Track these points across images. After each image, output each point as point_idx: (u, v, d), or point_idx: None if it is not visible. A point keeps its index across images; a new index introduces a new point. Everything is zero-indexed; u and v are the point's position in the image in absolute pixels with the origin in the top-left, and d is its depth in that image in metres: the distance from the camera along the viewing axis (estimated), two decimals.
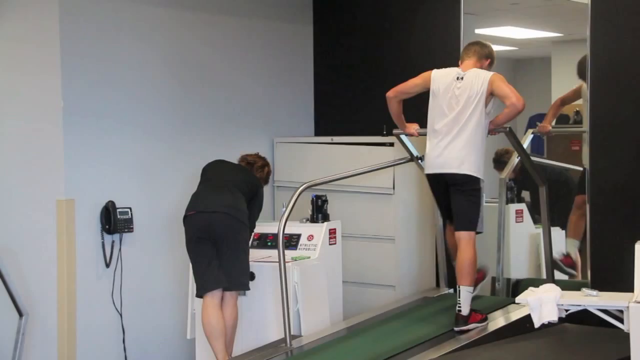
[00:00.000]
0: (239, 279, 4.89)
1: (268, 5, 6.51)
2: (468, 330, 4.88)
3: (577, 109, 5.95)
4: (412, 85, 5.10)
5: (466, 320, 4.88)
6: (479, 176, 4.92)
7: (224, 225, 4.85)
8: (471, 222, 4.97)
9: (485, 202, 5.64)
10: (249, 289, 4.99)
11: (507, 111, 4.86)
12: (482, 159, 4.93)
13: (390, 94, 5.13)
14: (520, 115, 4.98)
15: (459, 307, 4.88)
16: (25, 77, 5.36)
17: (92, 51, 5.36)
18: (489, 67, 5.05)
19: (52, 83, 5.20)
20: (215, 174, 5.18)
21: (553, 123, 6.05)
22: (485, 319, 5.01)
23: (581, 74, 5.67)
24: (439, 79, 4.99)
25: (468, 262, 4.92)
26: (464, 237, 4.97)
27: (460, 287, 4.90)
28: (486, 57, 5.04)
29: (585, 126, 5.57)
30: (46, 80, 5.25)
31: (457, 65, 5.05)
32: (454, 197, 4.99)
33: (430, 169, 5.03)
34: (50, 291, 5.24)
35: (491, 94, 4.87)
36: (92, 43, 5.36)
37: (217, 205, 4.90)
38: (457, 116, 4.89)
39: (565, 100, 5.92)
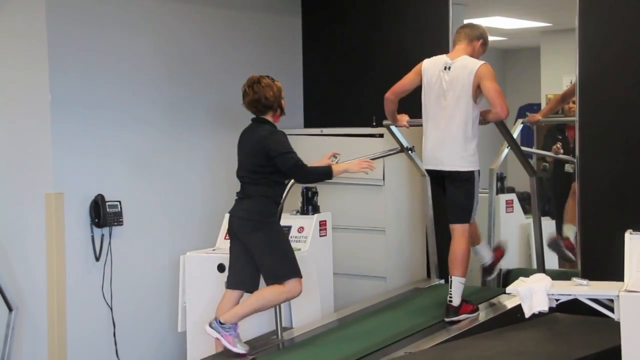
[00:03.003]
0: (270, 274, 4.61)
1: None
2: (459, 321, 4.89)
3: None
4: (408, 82, 5.07)
5: (457, 311, 4.91)
6: (472, 169, 4.91)
7: (241, 231, 4.65)
8: (465, 215, 4.98)
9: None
10: (281, 282, 4.59)
11: (491, 117, 4.87)
12: (475, 149, 4.92)
13: (389, 95, 5.09)
14: (510, 106, 4.97)
15: (450, 297, 4.90)
16: (12, 70, 5.32)
17: (80, 43, 5.32)
18: (482, 48, 5.01)
19: (39, 76, 5.16)
20: (239, 163, 4.78)
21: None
22: (476, 310, 5.03)
23: None
24: (428, 70, 4.98)
25: (461, 253, 4.95)
26: (457, 229, 4.99)
27: (452, 277, 4.92)
28: (477, 38, 4.99)
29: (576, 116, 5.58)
30: (33, 73, 5.21)
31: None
32: (449, 189, 5.01)
33: (427, 165, 5.09)
34: (40, 285, 5.22)
35: (479, 87, 4.83)
36: (80, 35, 5.33)
37: (235, 209, 4.71)
38: (446, 108, 4.88)
39: (566, 97, 5.85)
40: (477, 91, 4.84)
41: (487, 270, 5.46)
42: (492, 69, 4.86)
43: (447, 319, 4.91)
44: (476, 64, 4.85)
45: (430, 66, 4.98)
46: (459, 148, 4.86)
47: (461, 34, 5.03)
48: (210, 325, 4.52)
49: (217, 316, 4.58)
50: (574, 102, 5.60)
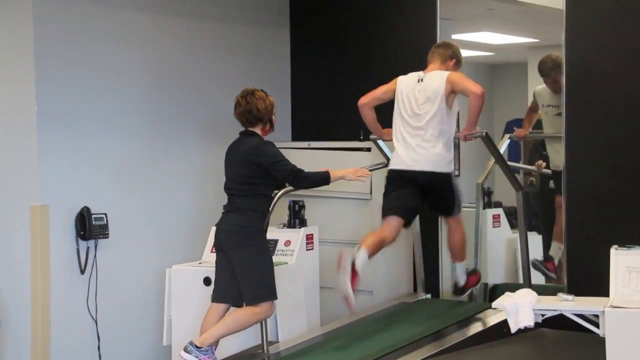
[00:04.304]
0: (247, 293, 4.58)
1: (244, 10, 6.49)
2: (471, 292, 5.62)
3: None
4: (382, 91, 5.18)
5: (464, 288, 5.48)
6: (449, 171, 5.05)
7: (227, 244, 4.62)
8: (456, 209, 5.20)
9: (463, 207, 5.67)
10: (257, 302, 4.56)
11: (470, 104, 4.95)
12: (451, 157, 5.05)
13: (361, 101, 5.19)
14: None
15: (457, 280, 5.44)
16: None
17: (67, 56, 5.31)
18: (455, 67, 5.13)
19: (25, 88, 5.15)
20: (226, 176, 4.76)
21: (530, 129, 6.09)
22: (479, 277, 5.59)
23: (542, 73, 5.88)
24: (402, 82, 5.11)
25: (461, 241, 5.32)
26: (452, 220, 5.27)
27: (456, 263, 5.38)
28: (450, 58, 5.13)
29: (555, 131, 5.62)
30: (20, 85, 5.20)
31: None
32: (435, 194, 5.11)
33: (399, 166, 5.08)
34: (24, 298, 5.19)
35: (453, 92, 4.96)
36: (67, 48, 5.32)
37: (222, 221, 4.69)
38: (420, 118, 4.99)
39: (532, 108, 6.05)
40: (451, 97, 4.98)
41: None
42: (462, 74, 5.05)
43: (459, 296, 5.58)
44: (445, 72, 5.03)
45: (405, 80, 5.12)
46: (434, 153, 4.97)
47: (435, 53, 5.17)
48: (186, 350, 4.44)
49: (203, 329, 4.56)
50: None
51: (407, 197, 5.07)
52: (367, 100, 5.17)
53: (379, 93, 5.18)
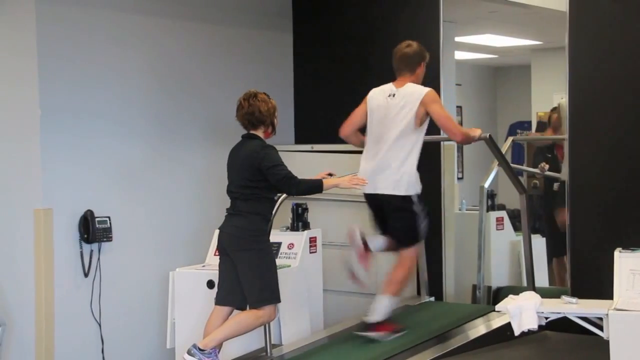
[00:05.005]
0: (250, 296, 4.59)
1: (247, 13, 6.50)
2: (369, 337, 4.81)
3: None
4: (358, 114, 5.01)
5: (373, 326, 4.80)
6: (410, 194, 4.79)
7: (230, 247, 4.62)
8: (410, 238, 4.88)
9: (466, 210, 5.67)
10: (260, 305, 4.55)
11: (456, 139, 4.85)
12: (417, 174, 4.82)
13: (342, 133, 5.04)
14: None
15: (371, 313, 4.80)
16: (1, 85, 5.31)
17: (70, 59, 5.32)
18: (424, 66, 4.96)
19: (29, 92, 5.16)
20: (229, 179, 4.77)
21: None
22: (395, 331, 4.87)
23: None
24: (373, 98, 4.96)
25: (405, 275, 4.92)
26: (406, 252, 4.91)
27: (385, 295, 4.82)
28: (418, 64, 4.94)
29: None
30: (23, 88, 5.21)
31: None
32: (390, 217, 4.89)
33: (365, 189, 4.87)
34: (28, 301, 5.19)
35: (426, 113, 4.78)
36: (70, 51, 5.33)
37: (225, 225, 4.68)
38: (389, 134, 4.81)
39: None
40: (424, 117, 4.79)
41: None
42: (435, 93, 4.83)
43: (363, 332, 4.82)
44: (423, 90, 4.81)
45: (375, 95, 4.96)
46: (397, 174, 4.76)
47: (401, 64, 4.93)
48: (189, 353, 4.44)
49: (207, 332, 4.56)
50: None
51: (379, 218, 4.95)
52: (347, 131, 5.03)
53: (355, 119, 5.01)
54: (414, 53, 4.94)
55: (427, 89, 4.82)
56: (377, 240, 4.72)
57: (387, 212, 4.87)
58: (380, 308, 4.80)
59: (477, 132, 4.88)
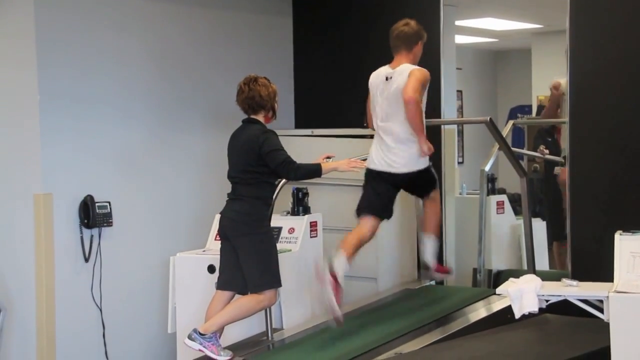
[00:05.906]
0: (251, 280, 4.60)
1: None
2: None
3: None
4: (371, 104, 5.04)
5: (432, 271, 5.31)
6: (422, 166, 4.89)
7: (231, 232, 4.63)
8: (431, 188, 5.10)
9: (466, 194, 5.66)
10: (261, 290, 4.57)
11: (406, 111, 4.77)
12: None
13: (370, 126, 5.08)
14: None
15: (426, 261, 5.24)
16: (0, 70, 5.30)
17: (69, 44, 5.31)
18: (422, 46, 4.95)
19: (28, 76, 5.15)
20: (229, 164, 4.78)
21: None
22: (448, 273, 5.51)
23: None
24: (373, 82, 4.97)
25: (438, 213, 5.26)
26: (435, 195, 5.14)
27: (428, 237, 5.19)
28: (415, 42, 4.93)
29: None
30: (22, 73, 5.20)
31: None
32: (413, 186, 5.05)
33: (376, 166, 4.93)
34: (29, 286, 5.20)
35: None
36: (69, 36, 5.31)
37: (226, 210, 4.69)
38: (390, 116, 4.84)
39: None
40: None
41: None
42: (426, 73, 4.80)
43: (428, 279, 5.41)
44: (410, 67, 4.81)
45: (374, 79, 4.97)
46: (406, 152, 4.82)
47: (397, 43, 4.92)
48: (190, 337, 4.46)
49: (195, 328, 4.53)
50: None
51: (383, 196, 4.96)
52: (373, 124, 5.04)
53: (372, 110, 5.02)
54: (412, 31, 4.93)
55: (415, 67, 4.82)
56: (341, 261, 4.71)
57: (407, 185, 4.99)
58: (430, 253, 5.19)
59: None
